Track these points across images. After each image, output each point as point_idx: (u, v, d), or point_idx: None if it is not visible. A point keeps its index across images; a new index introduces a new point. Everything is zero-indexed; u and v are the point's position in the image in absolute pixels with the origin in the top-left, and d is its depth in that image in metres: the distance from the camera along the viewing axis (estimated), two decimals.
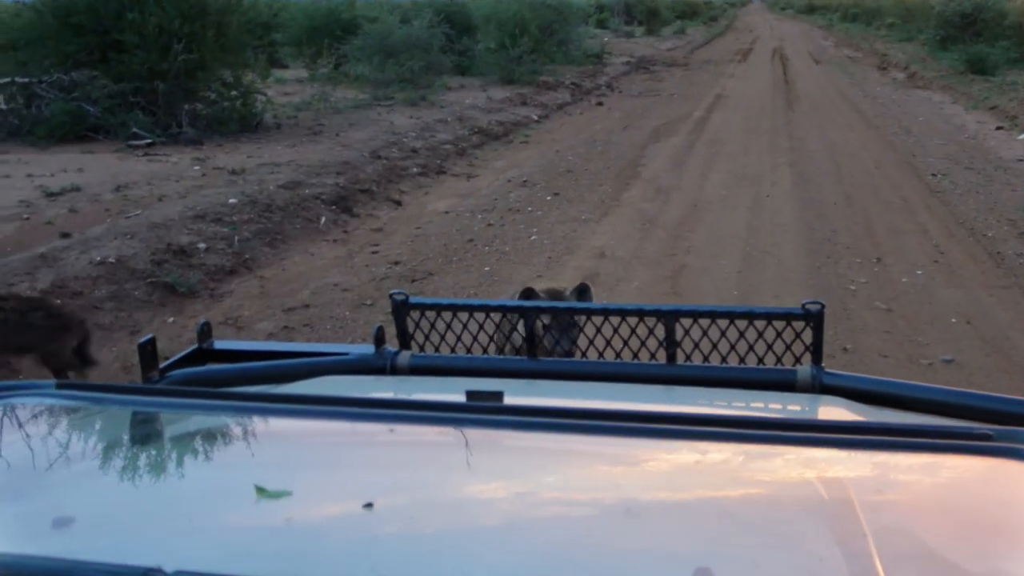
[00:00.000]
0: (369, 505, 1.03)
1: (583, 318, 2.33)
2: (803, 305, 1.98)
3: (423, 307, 2.15)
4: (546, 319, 2.52)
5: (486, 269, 8.02)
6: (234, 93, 13.83)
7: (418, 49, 19.12)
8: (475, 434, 1.23)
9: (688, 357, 2.09)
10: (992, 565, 0.99)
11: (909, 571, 0.95)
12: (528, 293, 2.92)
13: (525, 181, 11.84)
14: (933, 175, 12.32)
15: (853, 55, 34.28)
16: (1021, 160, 13.58)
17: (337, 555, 0.96)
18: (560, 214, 10.07)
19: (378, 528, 1.01)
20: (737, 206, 10.50)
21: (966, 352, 6.20)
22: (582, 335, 2.29)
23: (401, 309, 2.13)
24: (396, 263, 8.29)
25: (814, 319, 1.97)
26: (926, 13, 33.78)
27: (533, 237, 9.10)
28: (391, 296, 2.13)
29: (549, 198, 10.85)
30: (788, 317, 2.02)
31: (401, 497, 1.11)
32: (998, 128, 16.78)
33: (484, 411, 1.27)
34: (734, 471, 1.24)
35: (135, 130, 12.39)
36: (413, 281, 7.73)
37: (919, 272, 7.98)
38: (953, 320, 6.81)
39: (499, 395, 1.36)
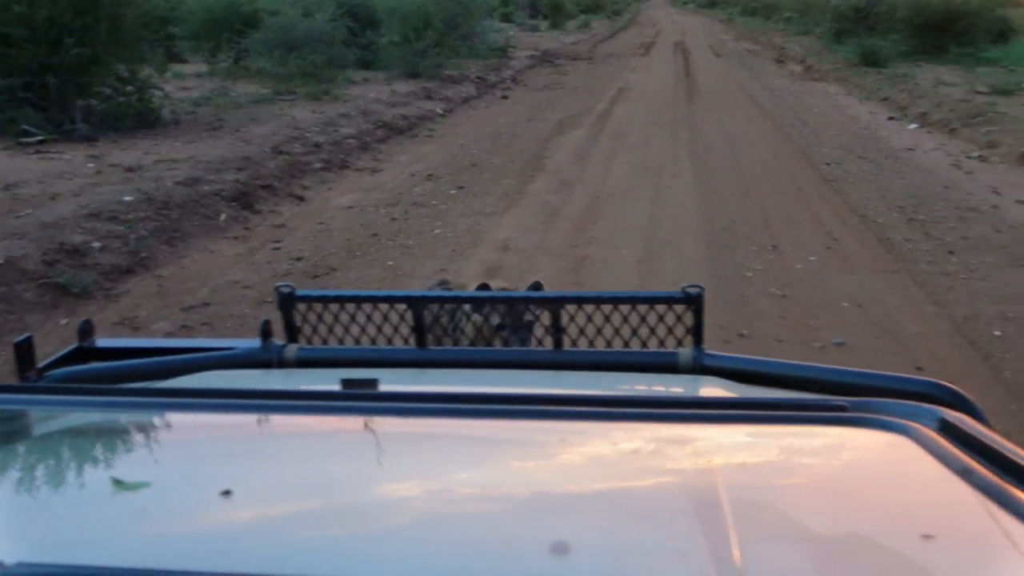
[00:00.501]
0: (227, 493, 1.03)
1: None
2: (683, 289, 2.04)
3: (310, 299, 2.14)
4: (500, 317, 2.62)
5: (390, 263, 8.00)
6: (130, 88, 13.49)
7: (320, 43, 18.92)
8: (347, 421, 1.24)
9: (574, 343, 2.13)
10: (841, 527, 1.04)
11: (762, 537, 0.99)
12: (483, 288, 3.09)
13: (430, 175, 11.82)
14: (827, 164, 12.68)
15: (752, 48, 35.00)
16: (911, 149, 14.07)
17: (191, 542, 0.96)
18: (464, 207, 10.09)
19: (234, 515, 1.01)
20: (639, 197, 10.66)
21: (857, 335, 6.42)
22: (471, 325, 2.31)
23: (287, 302, 2.13)
24: (298, 259, 8.21)
25: (694, 302, 2.02)
26: (822, 7, 34.66)
27: (437, 231, 9.10)
28: (277, 289, 2.12)
29: (453, 192, 10.86)
30: (669, 301, 2.07)
31: (261, 484, 1.11)
32: (889, 118, 17.35)
33: (357, 398, 1.28)
34: (604, 448, 1.29)
35: (25, 127, 12.00)
36: (315, 277, 7.66)
37: (813, 259, 8.22)
38: (845, 304, 7.03)
39: (374, 382, 1.37)
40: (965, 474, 1.05)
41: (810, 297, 7.22)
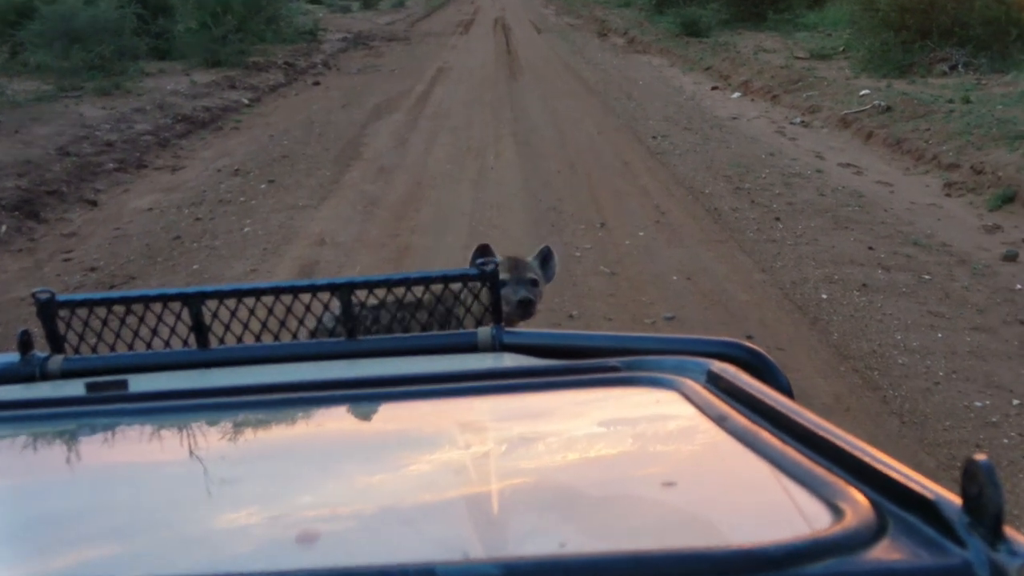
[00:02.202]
0: None
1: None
2: (477, 264, 2.05)
3: (73, 304, 2.05)
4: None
5: (195, 267, 7.79)
6: None
7: (107, 33, 18.17)
8: (94, 423, 1.20)
9: (368, 330, 2.13)
10: (591, 480, 1.13)
11: (517, 493, 1.05)
12: (484, 250, 3.23)
13: (237, 170, 11.57)
14: (653, 137, 13.07)
15: (574, 22, 35.70)
16: (735, 118, 14.65)
17: None
18: (276, 202, 9.92)
19: None
20: (462, 180, 10.73)
21: (687, 308, 6.65)
22: (252, 318, 2.26)
23: (47, 309, 2.03)
24: (92, 269, 7.89)
25: (490, 279, 2.04)
26: None
27: (247, 229, 8.92)
28: (34, 295, 2.02)
29: (264, 186, 10.66)
30: (464, 278, 2.08)
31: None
32: (713, 88, 18.02)
33: (104, 401, 1.24)
34: (384, 423, 1.38)
35: None
36: (112, 287, 7.37)
37: (641, 234, 8.46)
38: (674, 278, 7.27)
39: (123, 383, 1.33)
40: (721, 421, 1.11)
41: (640, 273, 7.43)
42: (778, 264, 7.61)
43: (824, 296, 6.90)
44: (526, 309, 3.45)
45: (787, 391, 1.55)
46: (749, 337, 6.02)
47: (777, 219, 8.88)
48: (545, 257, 3.62)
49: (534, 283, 3.51)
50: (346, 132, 14.03)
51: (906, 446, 4.82)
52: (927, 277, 7.28)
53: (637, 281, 7.23)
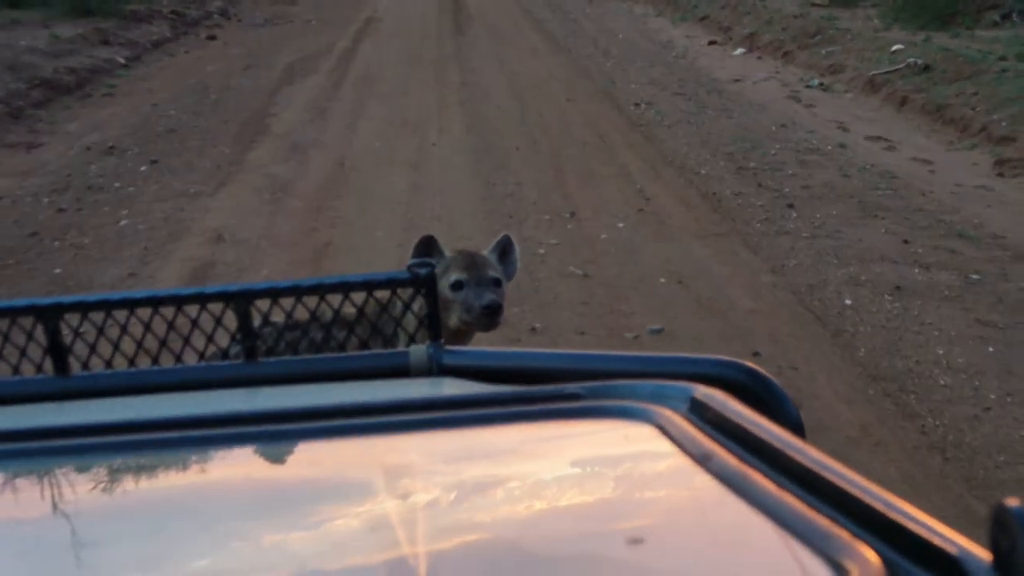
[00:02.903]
0: None
1: (124, 313, 2.29)
2: (408, 267, 2.06)
3: None
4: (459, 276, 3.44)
5: (56, 271, 7.71)
6: None
7: None
8: None
9: (271, 351, 2.13)
10: (541, 536, 1.13)
11: (451, 552, 1.05)
12: (428, 244, 3.39)
13: (111, 148, 11.48)
14: (636, 105, 13.14)
15: None
16: (738, 80, 14.77)
17: None
18: (161, 188, 9.87)
19: None
20: (396, 161, 10.73)
21: (678, 318, 6.69)
22: (125, 336, 2.24)
23: None
24: None
25: (424, 284, 2.05)
26: None
27: (123, 222, 8.86)
28: None
29: (145, 168, 10.60)
30: (392, 284, 2.09)
31: None
32: (710, 43, 18.18)
33: None
34: (291, 468, 1.38)
35: None
36: None
37: (621, 225, 8.51)
38: (662, 280, 7.32)
39: None
40: (705, 461, 1.12)
41: (619, 275, 7.46)
42: (792, 263, 7.68)
43: (848, 302, 6.97)
44: (493, 317, 3.46)
45: (795, 423, 1.56)
46: (755, 355, 6.06)
47: (790, 206, 8.96)
48: (504, 249, 3.65)
49: (497, 283, 3.52)
50: (250, 100, 13.96)
51: (949, 488, 4.88)
52: (975, 277, 7.37)
53: (616, 285, 7.26)
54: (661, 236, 8.28)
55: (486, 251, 3.63)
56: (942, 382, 5.92)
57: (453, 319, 3.48)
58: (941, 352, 6.26)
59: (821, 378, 5.95)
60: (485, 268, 3.52)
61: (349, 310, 2.14)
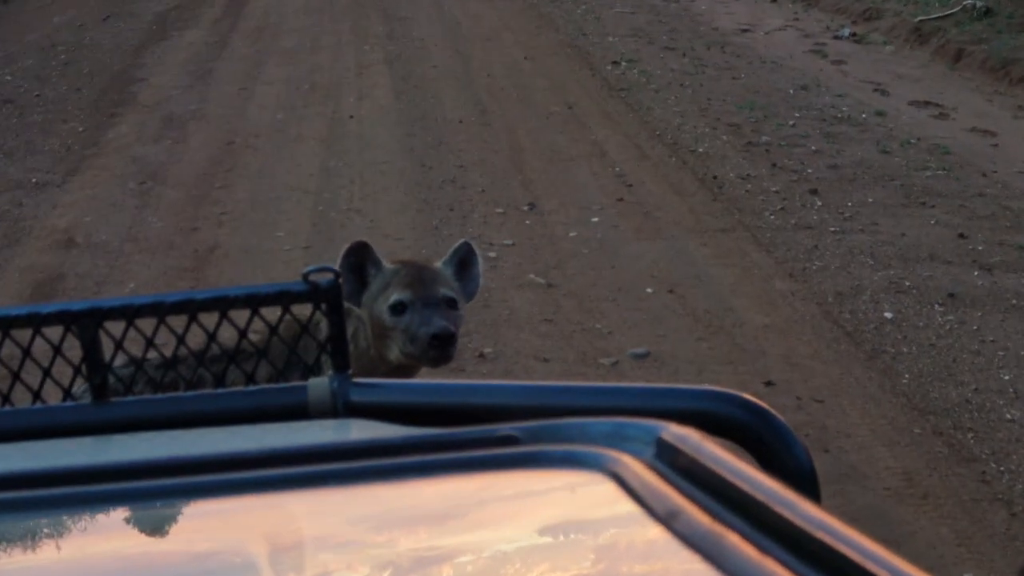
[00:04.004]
0: None
1: None
2: (305, 276, 2.05)
3: None
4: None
5: None
6: None
7: None
8: None
9: (128, 389, 2.13)
10: None
11: None
12: (358, 253, 3.35)
13: None
14: (615, 63, 13.16)
15: None
16: (745, 30, 14.86)
17: None
18: None
19: None
20: (303, 138, 10.72)
21: (670, 339, 6.70)
22: None
23: None
24: None
25: (327, 297, 2.05)
26: None
27: None
28: None
29: None
30: (284, 298, 2.09)
31: None
32: None
33: None
34: (151, 537, 1.40)
35: None
36: None
37: (595, 220, 8.53)
38: (649, 290, 7.33)
39: None
40: (671, 520, 1.12)
41: (593, 283, 7.47)
42: (815, 265, 7.72)
43: (888, 315, 7.01)
44: (443, 349, 3.34)
45: (806, 472, 1.57)
46: (769, 384, 6.10)
47: (813, 192, 9.00)
48: (463, 260, 3.53)
49: (452, 304, 3.41)
50: (110, 60, 13.91)
51: (1018, 551, 4.91)
52: None
53: (588, 297, 7.27)
54: (647, 233, 8.31)
55: (439, 262, 3.53)
56: (1008, 416, 5.96)
57: (394, 351, 3.40)
58: (1007, 378, 6.31)
59: (853, 413, 5.98)
60: (435, 285, 3.41)
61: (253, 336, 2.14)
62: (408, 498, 1.37)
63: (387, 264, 3.48)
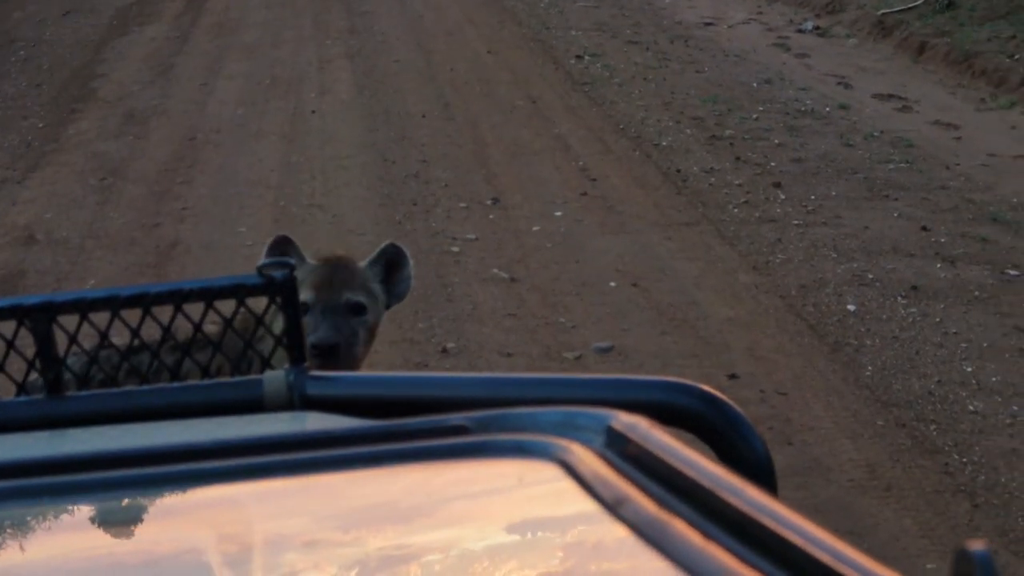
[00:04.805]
0: None
1: None
2: (259, 269, 2.05)
3: None
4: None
5: None
6: None
7: None
8: None
9: (85, 383, 2.13)
10: None
11: None
12: (281, 245, 3.29)
13: None
14: (579, 57, 13.17)
15: None
16: (710, 23, 14.89)
17: None
18: None
19: None
20: (265, 133, 10.72)
21: (634, 332, 6.72)
22: None
23: None
24: None
25: (281, 290, 2.05)
26: None
27: None
28: None
29: None
30: (239, 291, 2.09)
31: None
32: None
33: None
34: (106, 531, 1.40)
35: None
36: None
37: (559, 214, 8.55)
38: (612, 284, 7.36)
39: None
40: (617, 508, 1.13)
41: (557, 277, 7.49)
42: (779, 258, 7.74)
43: (852, 308, 7.04)
44: (326, 358, 3.28)
45: (763, 462, 1.58)
46: (733, 377, 6.12)
47: (777, 185, 9.04)
48: (390, 262, 3.49)
49: (356, 309, 3.40)
50: (71, 56, 13.86)
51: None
52: (1013, 273, 7.48)
53: (552, 291, 7.28)
54: (611, 227, 8.32)
55: (363, 262, 3.48)
56: (971, 407, 5.99)
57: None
58: (970, 369, 6.34)
59: (817, 406, 6.00)
60: (342, 288, 3.39)
61: (211, 327, 2.14)
62: (357, 487, 1.39)
63: (309, 260, 3.45)
